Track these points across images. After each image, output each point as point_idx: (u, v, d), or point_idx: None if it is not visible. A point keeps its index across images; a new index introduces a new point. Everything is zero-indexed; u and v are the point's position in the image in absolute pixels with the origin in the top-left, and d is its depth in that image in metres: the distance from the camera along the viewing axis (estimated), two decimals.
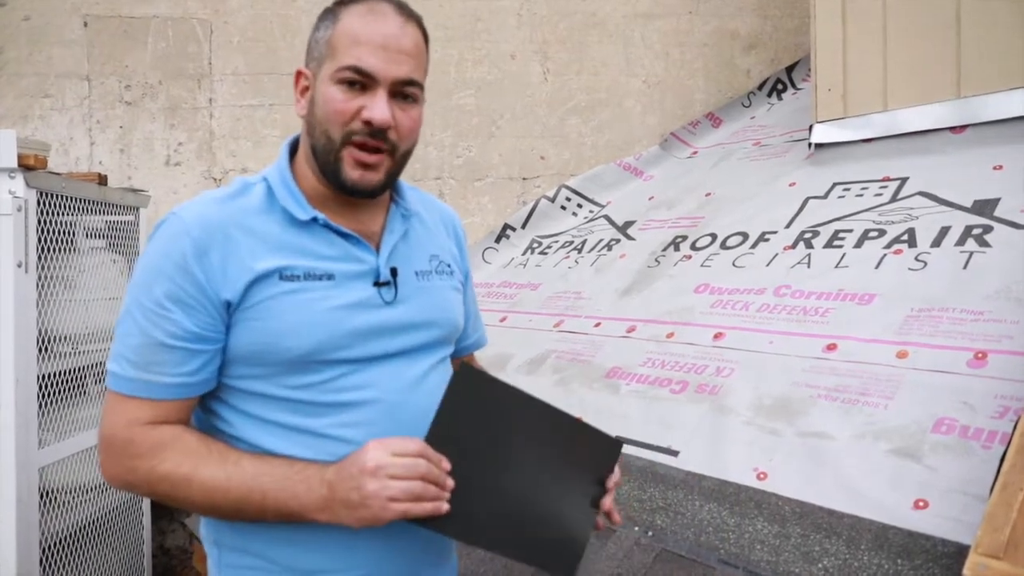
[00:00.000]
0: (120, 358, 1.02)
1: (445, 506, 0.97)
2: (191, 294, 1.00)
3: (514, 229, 3.84)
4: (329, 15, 1.09)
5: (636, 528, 1.75)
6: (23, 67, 3.50)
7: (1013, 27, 2.35)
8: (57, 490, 2.46)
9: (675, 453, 1.92)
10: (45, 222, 2.33)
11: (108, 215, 2.79)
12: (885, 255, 2.17)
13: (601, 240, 3.34)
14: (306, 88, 1.10)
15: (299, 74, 1.12)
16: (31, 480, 2.23)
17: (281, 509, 0.99)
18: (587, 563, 1.12)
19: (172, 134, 3.64)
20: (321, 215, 1.09)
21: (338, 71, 1.04)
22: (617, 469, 1.21)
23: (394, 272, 1.13)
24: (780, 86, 4.04)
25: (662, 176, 3.78)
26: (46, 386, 2.33)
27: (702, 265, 2.64)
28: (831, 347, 1.95)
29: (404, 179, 1.21)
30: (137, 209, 2.98)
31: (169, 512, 3.40)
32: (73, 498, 2.54)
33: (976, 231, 2.08)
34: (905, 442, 1.60)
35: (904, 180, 2.48)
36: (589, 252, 3.29)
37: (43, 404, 2.31)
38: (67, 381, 2.48)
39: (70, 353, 2.51)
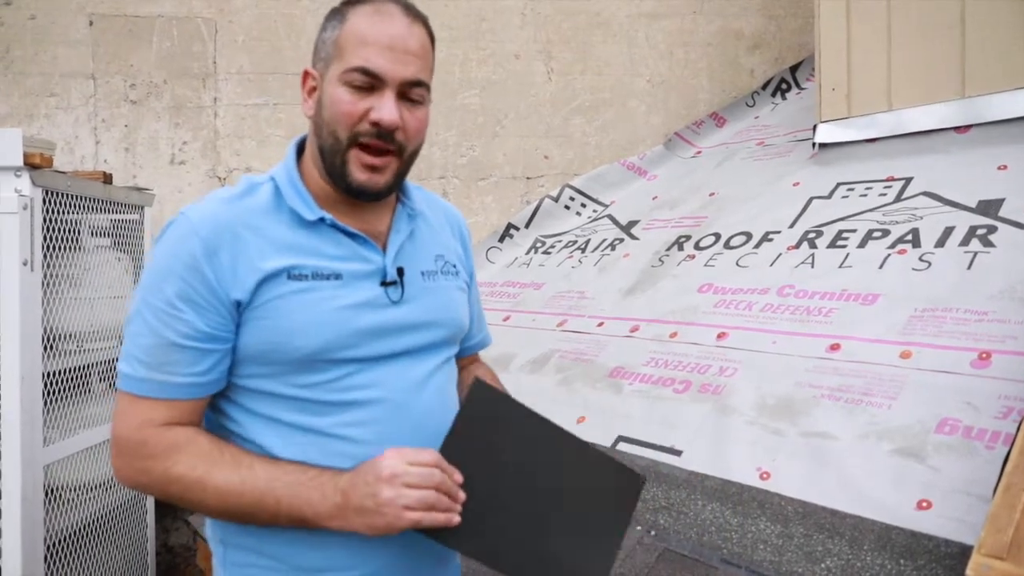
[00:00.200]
0: (131, 359, 1.02)
1: (456, 518, 0.98)
2: (202, 294, 1.01)
3: (518, 228, 3.84)
4: (336, 16, 1.09)
5: (639, 528, 1.75)
6: (29, 66, 3.51)
7: (1018, 27, 2.34)
8: (62, 488, 2.47)
9: (678, 453, 1.92)
10: (50, 220, 2.34)
11: (113, 214, 2.80)
12: (889, 255, 2.17)
13: (605, 240, 3.34)
14: (313, 88, 1.11)
15: (306, 74, 1.12)
16: (36, 478, 2.23)
17: (294, 515, 0.99)
18: None
19: (177, 133, 3.65)
20: (328, 215, 1.09)
21: (345, 72, 1.04)
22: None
23: (400, 272, 1.13)
24: (784, 86, 4.03)
25: (666, 176, 3.78)
26: (51, 384, 2.34)
27: (706, 265, 2.64)
28: (834, 347, 1.95)
29: (409, 178, 1.21)
30: (142, 208, 2.98)
31: (173, 510, 3.41)
32: (78, 496, 2.54)
33: (980, 231, 2.08)
34: (908, 442, 1.60)
35: (908, 180, 2.48)
36: (593, 252, 3.29)
37: (48, 402, 2.31)
38: (72, 379, 2.49)
39: (75, 351, 2.52)
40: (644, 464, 1.93)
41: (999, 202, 2.15)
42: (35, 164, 2.21)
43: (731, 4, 4.08)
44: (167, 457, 1.00)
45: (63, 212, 2.40)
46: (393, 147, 1.07)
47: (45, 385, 2.29)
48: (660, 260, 2.86)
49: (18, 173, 2.18)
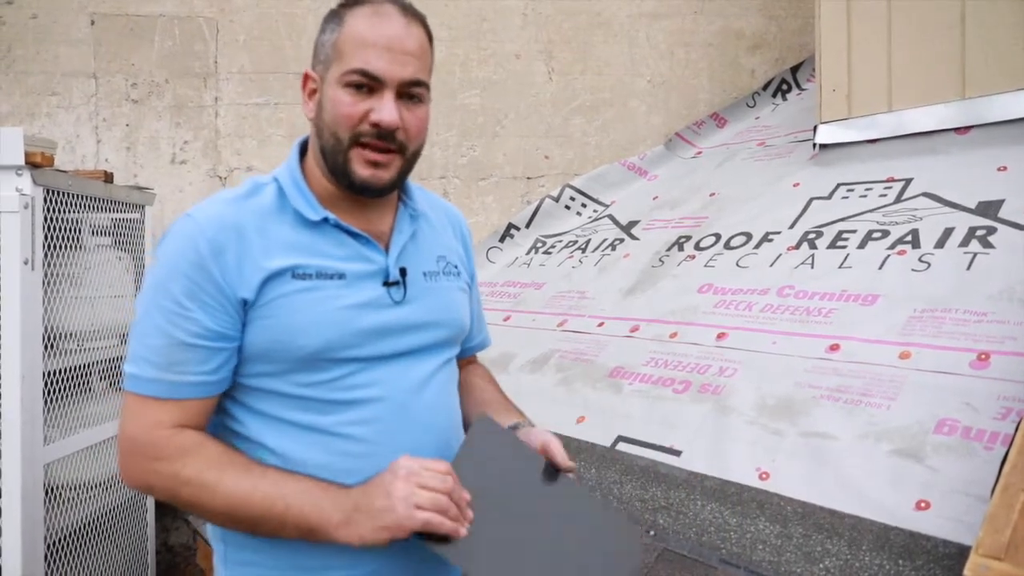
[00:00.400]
0: (140, 360, 1.02)
1: (463, 530, 0.98)
2: (209, 292, 1.01)
3: (518, 228, 3.84)
4: (334, 18, 1.09)
5: (638, 527, 1.75)
6: (30, 65, 3.51)
7: (1018, 28, 2.34)
8: (62, 487, 2.47)
9: (677, 453, 1.92)
10: (51, 219, 2.34)
11: (114, 213, 2.80)
12: (889, 256, 2.17)
13: (605, 240, 3.34)
14: (313, 91, 1.11)
15: (306, 77, 1.13)
16: (36, 476, 2.24)
17: (301, 523, 0.99)
18: None
19: (178, 132, 3.65)
20: (332, 215, 1.10)
21: (345, 74, 1.05)
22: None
23: (403, 272, 1.14)
24: (785, 86, 4.03)
25: (666, 176, 3.78)
26: (52, 383, 2.35)
27: (706, 265, 2.65)
28: (834, 348, 1.96)
29: (408, 178, 1.21)
30: (143, 207, 2.99)
31: (173, 510, 3.41)
32: (78, 495, 2.55)
33: (980, 232, 2.08)
34: (907, 443, 1.60)
35: (908, 181, 2.48)
36: (593, 252, 3.29)
37: (49, 401, 2.32)
38: (73, 378, 2.49)
39: (76, 350, 2.53)
40: (644, 464, 1.94)
41: (999, 203, 2.15)
42: (36, 163, 2.21)
43: (732, 4, 4.08)
44: (177, 459, 1.00)
45: (64, 211, 2.41)
46: (394, 146, 1.07)
47: (46, 384, 2.30)
48: (660, 260, 2.86)
49: (19, 172, 2.19)
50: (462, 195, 3.89)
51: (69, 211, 2.44)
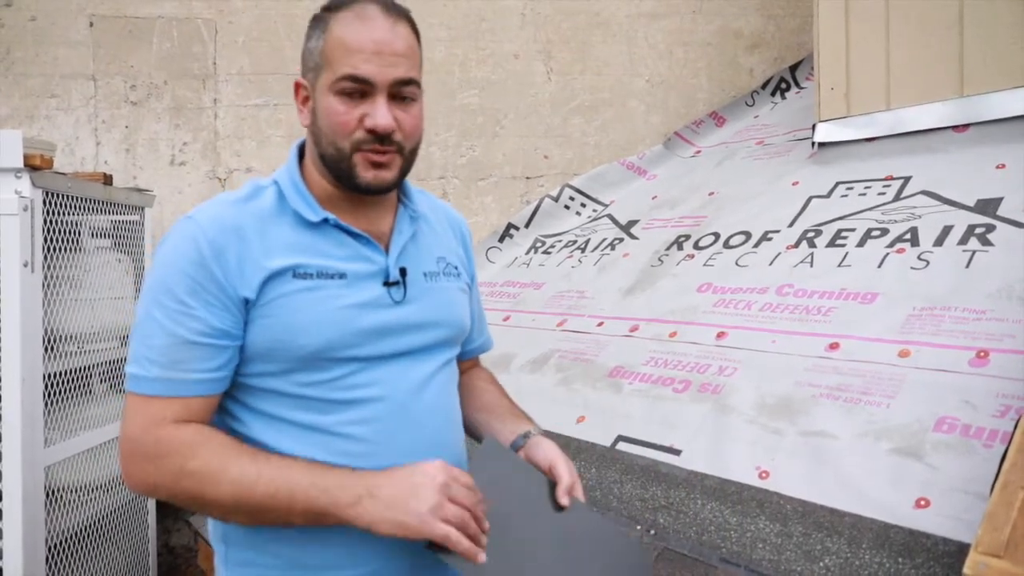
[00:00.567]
0: (142, 360, 1.02)
1: (482, 556, 0.97)
2: (211, 291, 1.02)
3: (518, 228, 3.84)
4: (318, 25, 1.09)
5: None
6: (29, 67, 3.51)
7: (1016, 26, 2.35)
8: (63, 489, 2.47)
9: (677, 452, 1.93)
10: (51, 222, 2.34)
11: (113, 215, 2.81)
12: (888, 254, 2.17)
13: (604, 239, 3.34)
14: (306, 98, 1.12)
15: (298, 85, 1.13)
16: (37, 479, 2.24)
17: (309, 506, 0.97)
18: None
19: (177, 134, 3.65)
20: (332, 216, 1.10)
21: (335, 82, 1.05)
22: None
23: (403, 272, 1.15)
24: (783, 85, 4.04)
25: (665, 175, 3.78)
26: (52, 385, 2.35)
27: (705, 264, 2.65)
28: (833, 346, 1.96)
29: (409, 178, 1.22)
30: (142, 209, 2.99)
31: (174, 511, 3.41)
32: (79, 497, 2.55)
33: (979, 230, 2.08)
34: (907, 441, 1.60)
35: (907, 179, 2.48)
36: (592, 251, 3.29)
37: (49, 403, 2.32)
38: (73, 380, 2.49)
39: (76, 352, 2.53)
40: (644, 463, 1.94)
41: (997, 201, 2.15)
42: (35, 165, 2.21)
43: (730, 4, 4.08)
44: (181, 453, 0.99)
45: (63, 213, 2.41)
46: (393, 148, 1.08)
47: (46, 386, 2.30)
48: (660, 260, 2.87)
49: (18, 175, 2.19)
50: (461, 195, 3.89)
51: (69, 213, 2.44)
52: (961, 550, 1.31)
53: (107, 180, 2.79)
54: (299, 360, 1.05)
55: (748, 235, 2.68)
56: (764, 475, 1.72)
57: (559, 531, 1.09)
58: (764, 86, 4.07)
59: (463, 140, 3.90)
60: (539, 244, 3.70)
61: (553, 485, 1.12)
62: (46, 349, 2.31)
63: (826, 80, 2.89)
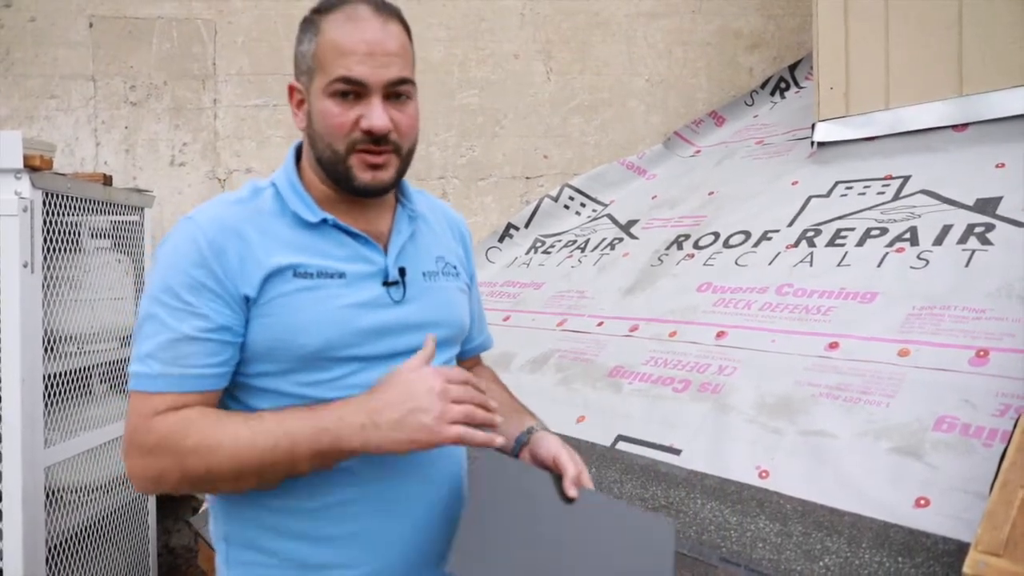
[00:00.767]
0: (145, 358, 1.02)
1: (499, 439, 1.00)
2: (212, 288, 1.02)
3: (517, 228, 3.84)
4: (309, 27, 1.09)
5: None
6: (29, 68, 3.51)
7: (1015, 25, 2.35)
8: (63, 489, 2.47)
9: (677, 452, 1.93)
10: (51, 222, 2.34)
11: (113, 215, 2.81)
12: (887, 253, 2.17)
13: (604, 239, 3.34)
14: (301, 101, 1.12)
15: (291, 89, 1.13)
16: (37, 480, 2.24)
17: (313, 447, 0.97)
18: None
19: (177, 134, 3.65)
20: (331, 216, 1.11)
21: (329, 84, 1.05)
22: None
23: (402, 272, 1.15)
24: (783, 84, 4.03)
25: (665, 175, 3.78)
26: (52, 386, 2.35)
27: (705, 264, 2.65)
28: (833, 346, 1.96)
29: (408, 178, 1.22)
30: (142, 209, 2.99)
31: (175, 511, 3.42)
32: (79, 497, 2.55)
33: (978, 229, 2.08)
34: (906, 440, 1.60)
35: (906, 178, 2.48)
36: (592, 251, 3.29)
37: (49, 404, 2.32)
38: (73, 381, 2.49)
39: (76, 353, 2.53)
40: (644, 463, 1.94)
41: (997, 200, 2.15)
42: (35, 166, 2.22)
43: (730, 3, 4.08)
44: (177, 433, 0.98)
45: (63, 214, 2.41)
46: (390, 147, 1.08)
47: (46, 387, 2.30)
48: (659, 259, 2.87)
49: (18, 175, 2.19)
50: (461, 195, 3.89)
51: (68, 214, 2.45)
52: (961, 549, 1.31)
53: (107, 181, 2.80)
54: (299, 360, 1.05)
55: (748, 235, 2.68)
56: (764, 475, 1.72)
57: (575, 522, 1.09)
58: (763, 85, 4.07)
59: (463, 140, 3.90)
60: (539, 244, 3.70)
61: (559, 478, 1.12)
62: (46, 350, 2.31)
63: (825, 79, 2.89)
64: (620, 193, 3.82)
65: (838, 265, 2.24)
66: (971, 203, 2.20)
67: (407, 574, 1.11)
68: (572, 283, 3.11)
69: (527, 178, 3.97)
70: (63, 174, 2.49)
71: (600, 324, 2.68)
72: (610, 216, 3.57)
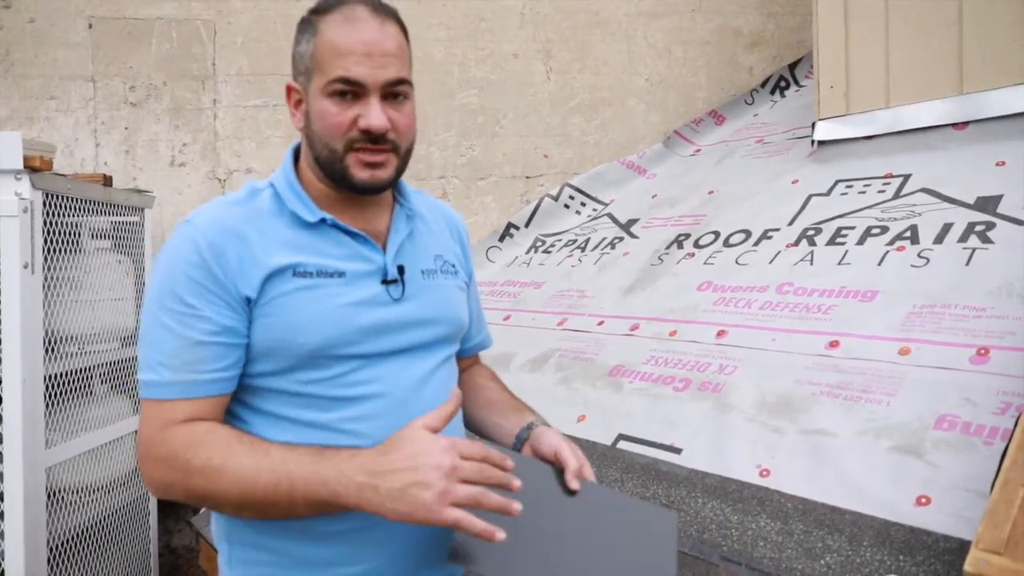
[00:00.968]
0: (155, 366, 1.02)
1: (500, 534, 0.90)
2: (215, 291, 1.03)
3: (518, 228, 3.84)
4: (307, 27, 1.10)
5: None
6: (28, 69, 3.51)
7: (1015, 23, 2.34)
8: (64, 490, 2.47)
9: (678, 451, 1.93)
10: (51, 223, 2.34)
11: (113, 216, 2.81)
12: (888, 252, 2.17)
13: (604, 238, 3.34)
14: (299, 101, 1.12)
15: (289, 89, 1.14)
16: (38, 480, 2.24)
17: (310, 498, 0.96)
18: None
19: (176, 135, 3.65)
20: (329, 216, 1.11)
21: (328, 84, 1.05)
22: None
23: (401, 270, 1.15)
24: (783, 83, 4.03)
25: (665, 174, 3.78)
26: (53, 386, 2.35)
27: (705, 263, 2.65)
28: (834, 344, 1.96)
29: (408, 178, 1.22)
30: (142, 210, 2.99)
31: (176, 511, 3.42)
32: (80, 498, 2.55)
33: (979, 228, 2.08)
34: (907, 439, 1.60)
35: (907, 177, 2.48)
36: (592, 250, 3.29)
37: (50, 404, 2.32)
38: (74, 381, 2.49)
39: (76, 353, 2.53)
40: (644, 462, 1.94)
41: (997, 198, 2.15)
42: (35, 167, 2.22)
43: (729, 2, 4.08)
44: (187, 450, 0.99)
45: (63, 215, 2.41)
46: (388, 146, 1.09)
47: (47, 388, 2.30)
48: (660, 258, 2.87)
49: (18, 176, 2.19)
50: (461, 195, 3.89)
51: (68, 215, 2.45)
52: (962, 547, 1.31)
53: (107, 181, 2.80)
54: (300, 358, 1.06)
55: (748, 233, 2.68)
56: (765, 473, 1.72)
57: (578, 515, 1.08)
58: (763, 84, 4.07)
59: (463, 140, 3.90)
60: (539, 243, 3.70)
61: (561, 472, 1.12)
62: (47, 350, 2.31)
63: (825, 78, 2.89)
64: (620, 192, 3.82)
65: (838, 264, 2.24)
66: (971, 201, 2.20)
67: (409, 570, 1.11)
68: (572, 282, 3.11)
69: (527, 177, 3.97)
70: (63, 175, 2.49)
71: (600, 323, 2.68)
72: (610, 215, 3.57)
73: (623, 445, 2.05)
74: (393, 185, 1.16)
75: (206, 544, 2.48)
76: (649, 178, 3.85)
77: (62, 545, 2.39)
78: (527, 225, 3.84)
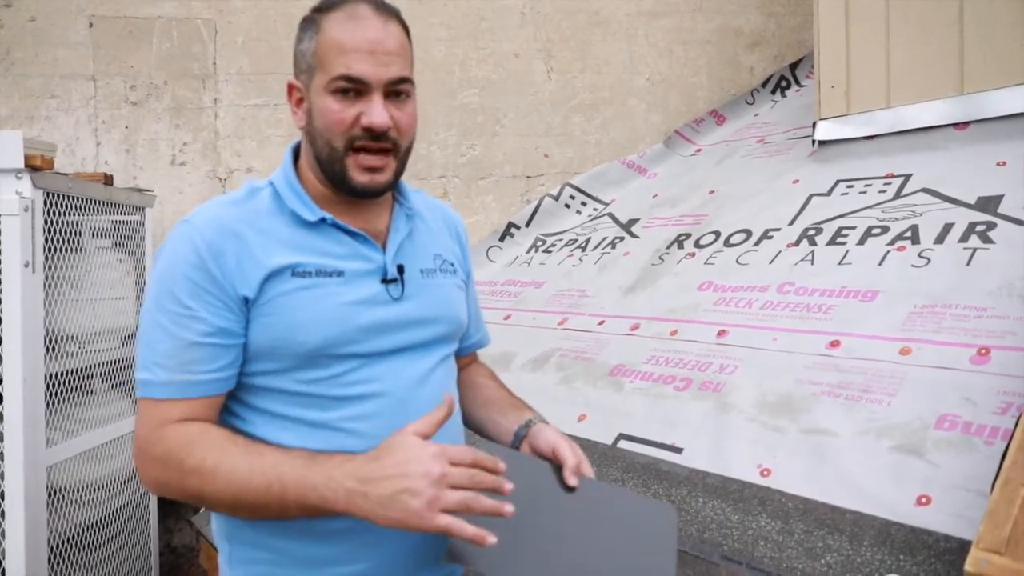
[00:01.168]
0: (151, 366, 1.03)
1: (490, 538, 0.91)
2: (212, 292, 1.03)
3: (518, 227, 3.84)
4: (310, 26, 1.10)
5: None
6: (29, 68, 3.51)
7: (1016, 23, 2.34)
8: (65, 489, 2.47)
9: (679, 450, 1.93)
10: (52, 222, 2.34)
11: (114, 215, 2.81)
12: (888, 252, 2.17)
13: (605, 238, 3.34)
14: (300, 99, 1.12)
15: (291, 87, 1.14)
16: (39, 479, 2.24)
17: (300, 503, 0.96)
18: None
19: (177, 134, 3.65)
20: (329, 215, 1.11)
21: (330, 82, 1.05)
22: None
23: (400, 269, 1.15)
24: (784, 83, 4.03)
25: (666, 174, 3.78)
26: (53, 385, 2.35)
27: (706, 263, 2.65)
28: (834, 344, 1.96)
29: (409, 178, 1.23)
30: (143, 209, 2.99)
31: (176, 511, 3.42)
32: (81, 497, 2.55)
33: (979, 228, 2.08)
34: (908, 438, 1.60)
35: (907, 177, 2.48)
36: (593, 250, 3.29)
37: (50, 403, 2.32)
38: (74, 380, 2.49)
39: (77, 352, 2.53)
40: (645, 462, 1.94)
41: (998, 198, 2.15)
42: (36, 166, 2.22)
43: (730, 2, 4.08)
44: (181, 450, 1.00)
45: (64, 214, 2.41)
46: (389, 145, 1.09)
47: (47, 387, 2.30)
48: (660, 258, 2.87)
49: (19, 175, 2.19)
50: (462, 194, 3.89)
51: (69, 214, 2.45)
52: (962, 547, 1.31)
53: (107, 180, 2.80)
54: (300, 358, 1.06)
55: (749, 233, 2.68)
56: (765, 473, 1.72)
57: (577, 512, 1.08)
58: (764, 84, 4.07)
59: (463, 139, 3.90)
60: (540, 243, 3.70)
61: (559, 469, 1.12)
62: (47, 349, 2.31)
63: (826, 78, 2.89)
64: (621, 192, 3.82)
65: (839, 264, 2.24)
66: (972, 201, 2.20)
67: (408, 569, 1.11)
68: (573, 282, 3.11)
69: (528, 177, 3.97)
70: (64, 174, 2.49)
71: (601, 323, 2.68)
72: (611, 215, 3.57)
73: (624, 445, 2.05)
74: (391, 188, 1.16)
75: (206, 543, 2.48)
76: (650, 178, 3.85)
77: (63, 544, 2.39)
78: (528, 225, 3.84)
